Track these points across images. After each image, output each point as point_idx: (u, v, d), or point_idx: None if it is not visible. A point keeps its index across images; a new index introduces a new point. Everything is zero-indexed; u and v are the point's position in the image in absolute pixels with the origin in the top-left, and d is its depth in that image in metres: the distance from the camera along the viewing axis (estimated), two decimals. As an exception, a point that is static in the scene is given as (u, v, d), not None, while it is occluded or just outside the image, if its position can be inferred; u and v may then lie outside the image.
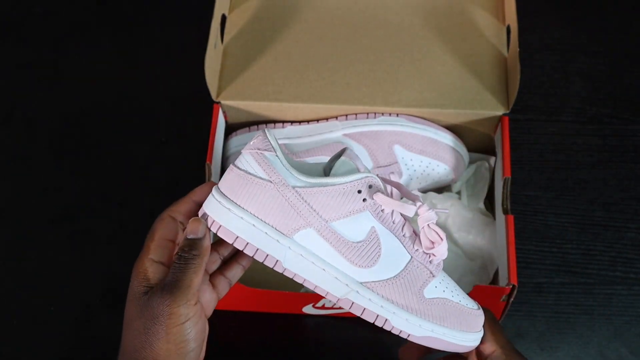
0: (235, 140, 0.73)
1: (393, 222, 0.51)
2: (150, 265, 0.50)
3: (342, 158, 0.52)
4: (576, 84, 0.85)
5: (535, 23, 0.88)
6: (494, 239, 0.71)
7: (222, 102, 0.71)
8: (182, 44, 0.87)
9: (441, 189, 0.74)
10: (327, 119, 0.72)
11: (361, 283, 0.51)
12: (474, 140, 0.74)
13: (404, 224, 0.52)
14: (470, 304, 0.54)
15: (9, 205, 0.78)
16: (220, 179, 0.52)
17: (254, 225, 0.50)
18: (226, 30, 0.75)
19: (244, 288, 0.63)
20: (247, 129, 0.73)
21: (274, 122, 0.73)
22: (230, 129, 0.74)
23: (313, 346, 0.72)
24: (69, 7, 0.90)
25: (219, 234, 0.50)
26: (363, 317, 0.51)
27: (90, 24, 0.89)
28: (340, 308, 0.68)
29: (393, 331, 0.51)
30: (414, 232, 0.52)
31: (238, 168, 0.50)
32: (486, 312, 0.55)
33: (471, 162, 0.75)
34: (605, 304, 0.73)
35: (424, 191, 0.73)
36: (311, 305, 0.68)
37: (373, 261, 0.50)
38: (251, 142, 0.50)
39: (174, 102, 0.84)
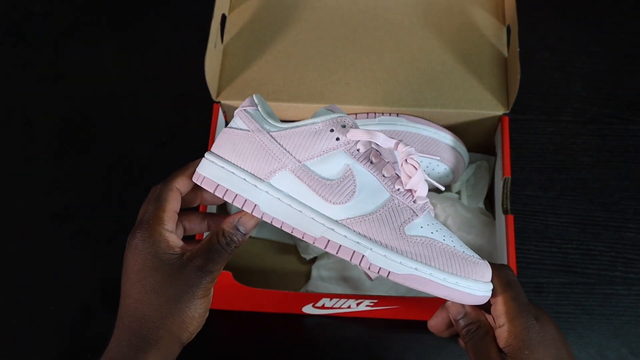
0: (235, 140, 0.73)
1: (371, 162, 0.52)
2: (168, 235, 0.51)
3: (323, 108, 0.54)
4: (576, 84, 0.85)
5: (535, 23, 0.88)
6: (494, 239, 0.71)
7: (222, 102, 0.71)
8: (182, 44, 0.87)
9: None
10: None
11: (337, 221, 0.51)
12: (474, 140, 0.74)
13: (385, 165, 0.52)
14: (471, 254, 0.51)
15: (9, 205, 0.78)
16: None
17: (233, 173, 0.52)
18: (226, 30, 0.75)
19: (244, 288, 0.63)
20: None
21: (274, 122, 0.73)
22: (230, 129, 0.74)
23: (313, 346, 0.72)
24: (69, 7, 0.90)
25: (202, 185, 0.53)
26: (340, 255, 0.51)
27: (90, 24, 0.89)
28: (340, 308, 0.68)
29: (372, 269, 0.50)
30: (396, 173, 0.52)
31: (227, 127, 0.54)
32: (500, 267, 0.53)
33: (471, 162, 0.75)
34: (605, 304, 0.73)
35: None
36: (311, 305, 0.68)
37: (347, 197, 0.51)
38: (241, 105, 0.54)
39: (174, 102, 0.84)
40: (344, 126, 0.52)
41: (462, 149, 0.72)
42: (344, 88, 0.71)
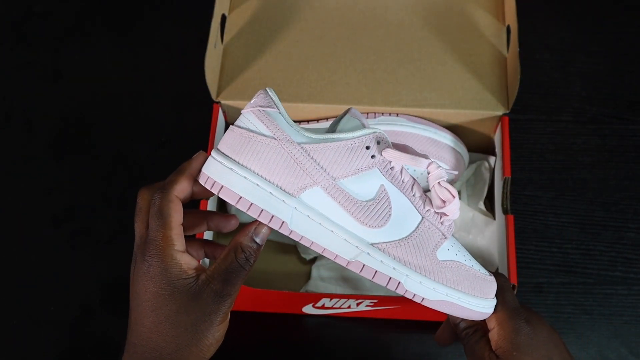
0: (235, 140, 0.73)
1: (402, 182, 0.49)
2: (180, 257, 0.47)
3: (347, 116, 0.50)
4: (576, 84, 0.85)
5: (535, 23, 0.88)
6: (494, 239, 0.71)
7: (222, 102, 0.71)
8: (182, 44, 0.87)
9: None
10: (327, 118, 0.72)
11: (371, 244, 0.48)
12: (474, 140, 0.74)
13: (414, 184, 0.50)
14: (483, 270, 0.52)
15: (9, 205, 0.78)
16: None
17: (257, 185, 0.47)
18: (226, 30, 0.75)
19: (244, 288, 0.63)
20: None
21: (274, 122, 0.73)
22: (230, 129, 0.74)
23: (313, 346, 0.72)
24: (68, 7, 0.90)
25: (220, 196, 0.48)
26: (375, 280, 0.49)
27: (90, 24, 0.89)
28: (340, 308, 0.68)
29: (406, 295, 0.49)
30: (424, 192, 0.51)
31: (239, 127, 0.48)
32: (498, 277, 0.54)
33: (471, 162, 0.75)
34: (605, 304, 0.73)
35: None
36: (311, 305, 0.68)
37: (384, 221, 0.48)
38: (251, 101, 0.48)
39: (174, 102, 0.84)
40: (379, 142, 0.49)
41: (462, 149, 0.72)
42: (344, 88, 0.71)
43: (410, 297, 0.49)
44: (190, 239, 0.52)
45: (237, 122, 0.49)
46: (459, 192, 0.75)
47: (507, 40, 0.74)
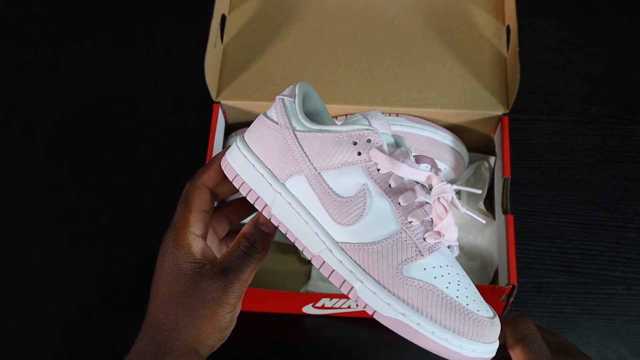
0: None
1: (389, 186, 0.47)
2: (193, 239, 0.48)
3: (359, 114, 0.49)
4: (576, 84, 0.85)
5: (535, 23, 0.88)
6: (494, 239, 0.71)
7: (222, 102, 0.71)
8: (182, 44, 0.87)
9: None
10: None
11: (337, 243, 0.47)
12: (474, 140, 0.74)
13: (403, 192, 0.47)
14: (477, 309, 0.46)
15: (9, 205, 0.78)
16: None
17: (253, 165, 0.49)
18: (226, 30, 0.75)
19: (244, 288, 0.63)
20: (246, 128, 0.73)
21: (274, 122, 0.73)
22: (230, 129, 0.74)
23: (313, 346, 0.72)
24: (68, 7, 0.90)
25: (224, 171, 0.50)
26: (330, 279, 0.47)
27: (90, 24, 0.89)
28: (340, 308, 0.68)
29: (358, 303, 0.47)
30: (417, 202, 0.47)
31: (264, 115, 0.50)
32: (516, 321, 0.49)
33: (471, 162, 0.75)
34: (605, 304, 0.73)
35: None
36: (311, 305, 0.68)
37: (353, 220, 0.47)
38: (284, 91, 0.50)
39: (174, 102, 0.84)
40: (369, 141, 0.47)
41: (462, 149, 0.72)
42: (344, 88, 0.71)
43: (361, 306, 0.47)
44: (232, 232, 0.55)
45: (267, 110, 0.51)
46: (459, 192, 0.75)
47: (507, 40, 0.74)
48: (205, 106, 0.71)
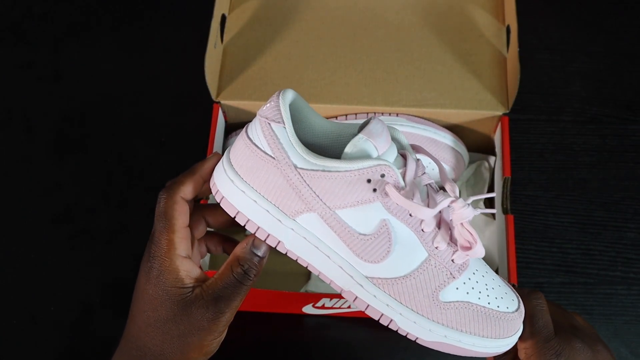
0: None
1: (410, 215, 0.45)
2: (180, 263, 0.46)
3: (360, 135, 0.45)
4: (576, 84, 0.85)
5: (535, 23, 0.88)
6: (494, 239, 0.71)
7: (222, 102, 0.71)
8: (182, 44, 0.87)
9: (441, 188, 0.74)
10: (327, 119, 0.71)
11: (367, 277, 0.46)
12: (474, 140, 0.74)
13: (425, 219, 0.46)
14: (506, 306, 0.48)
15: (9, 205, 0.78)
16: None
17: (255, 201, 0.46)
18: (226, 30, 0.75)
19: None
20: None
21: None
22: (230, 129, 0.74)
23: (313, 346, 0.72)
24: (68, 7, 0.90)
25: (221, 206, 0.47)
26: (367, 313, 0.47)
27: (90, 24, 0.89)
28: (340, 308, 0.68)
29: (399, 332, 0.47)
30: (437, 225, 0.46)
31: (247, 136, 0.46)
32: (526, 296, 0.50)
33: (471, 162, 0.75)
34: (605, 304, 0.73)
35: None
36: (311, 305, 0.68)
37: (381, 257, 0.45)
38: (264, 106, 0.46)
39: (173, 102, 0.84)
40: (382, 176, 0.44)
41: (462, 149, 0.72)
42: (344, 88, 0.71)
43: (403, 334, 0.47)
44: (211, 233, 0.52)
45: (248, 128, 0.47)
46: (459, 192, 0.75)
47: (507, 40, 0.74)
48: (205, 106, 0.71)
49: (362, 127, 0.48)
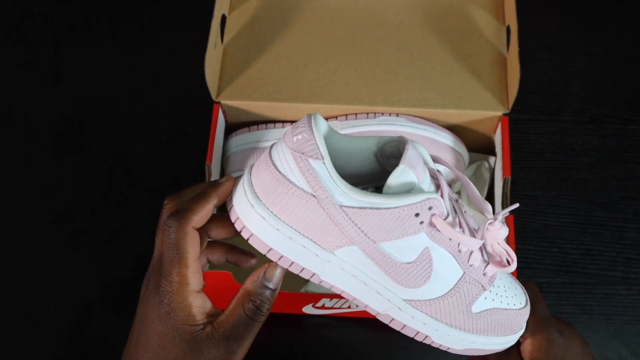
0: (235, 140, 0.73)
1: (449, 239, 0.45)
2: (194, 299, 0.44)
3: (401, 167, 0.43)
4: (576, 84, 0.85)
5: (535, 23, 0.88)
6: (494, 239, 0.71)
7: (222, 102, 0.71)
8: (182, 44, 0.87)
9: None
10: (327, 119, 0.72)
11: (404, 300, 0.46)
12: (474, 140, 0.74)
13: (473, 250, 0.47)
14: (520, 302, 0.50)
15: (9, 205, 0.78)
16: (251, 172, 0.46)
17: (290, 238, 0.44)
18: (226, 30, 0.75)
19: (244, 288, 0.63)
20: (247, 129, 0.73)
21: (274, 122, 0.73)
22: (230, 129, 0.74)
23: (313, 346, 0.72)
24: (68, 7, 0.90)
25: (250, 242, 0.45)
26: (403, 332, 0.48)
27: (90, 24, 0.89)
28: (340, 308, 0.68)
29: (432, 345, 0.48)
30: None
31: (277, 169, 0.43)
32: (524, 284, 0.52)
33: (471, 162, 0.75)
34: (605, 304, 0.73)
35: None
36: (311, 305, 0.68)
37: (421, 282, 0.46)
38: (294, 138, 0.43)
39: (174, 102, 0.84)
40: (430, 208, 0.43)
41: (462, 149, 0.72)
42: (344, 88, 0.71)
43: (436, 346, 0.48)
44: (213, 243, 0.50)
45: (275, 160, 0.44)
46: (459, 192, 0.75)
47: (507, 41, 0.74)
48: (205, 106, 0.71)
49: (382, 143, 0.47)
